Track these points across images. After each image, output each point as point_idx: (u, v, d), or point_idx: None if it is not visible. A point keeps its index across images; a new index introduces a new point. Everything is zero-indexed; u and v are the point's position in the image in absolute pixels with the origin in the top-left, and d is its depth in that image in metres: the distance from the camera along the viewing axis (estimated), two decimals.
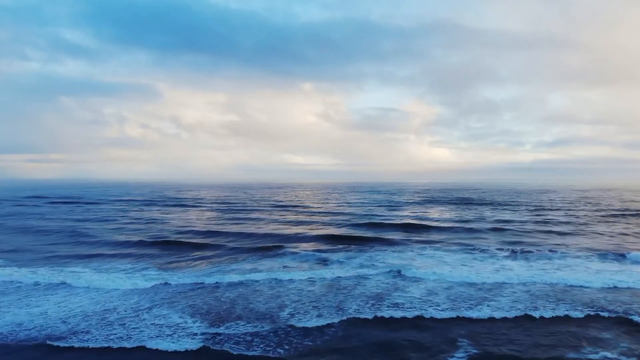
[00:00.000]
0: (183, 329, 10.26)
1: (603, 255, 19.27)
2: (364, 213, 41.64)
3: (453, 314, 11.21)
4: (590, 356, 8.83)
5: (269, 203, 56.45)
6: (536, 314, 11.16)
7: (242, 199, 67.01)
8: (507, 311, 11.43)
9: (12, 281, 14.70)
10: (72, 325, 10.45)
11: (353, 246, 22.26)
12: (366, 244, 23.11)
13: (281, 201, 60.73)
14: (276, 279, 14.99)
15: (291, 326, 10.37)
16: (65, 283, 14.35)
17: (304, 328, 10.27)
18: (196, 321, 10.78)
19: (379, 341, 9.60)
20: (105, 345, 9.26)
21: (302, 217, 37.98)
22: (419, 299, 12.70)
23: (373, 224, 32.36)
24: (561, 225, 30.95)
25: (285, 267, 17.24)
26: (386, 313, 11.32)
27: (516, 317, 11.03)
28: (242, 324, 10.61)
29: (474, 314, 11.22)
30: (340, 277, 15.33)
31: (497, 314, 11.18)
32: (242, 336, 9.81)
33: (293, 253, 19.95)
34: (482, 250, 20.63)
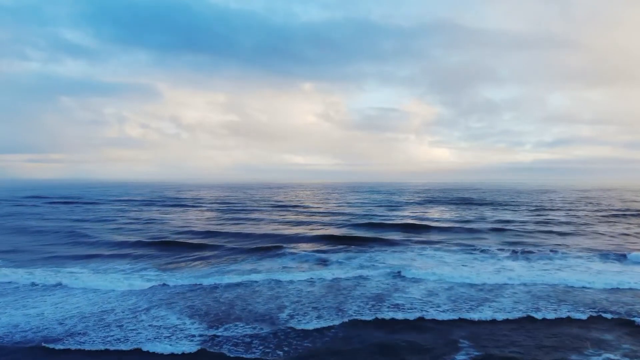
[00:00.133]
0: (181, 330, 10.15)
1: (604, 255, 19.16)
2: (364, 213, 41.53)
3: (454, 315, 11.10)
4: (593, 358, 8.73)
5: (269, 203, 56.34)
6: (538, 315, 11.05)
7: (242, 199, 66.90)
8: (509, 312, 11.32)
9: (9, 282, 14.58)
10: (69, 327, 10.34)
11: (353, 246, 22.15)
12: (366, 244, 23.00)
13: (281, 201, 60.62)
14: (275, 279, 14.88)
15: (290, 328, 10.27)
16: (62, 284, 14.24)
17: (304, 330, 10.16)
18: (194, 322, 10.67)
19: (379, 343, 9.49)
20: (102, 348, 9.14)
21: (301, 217, 37.87)
22: (420, 299, 12.60)
23: (373, 224, 32.25)
24: (562, 225, 30.84)
25: (284, 267, 17.13)
26: (386, 314, 11.21)
27: (518, 318, 10.92)
28: (241, 325, 10.50)
29: (475, 315, 11.10)
30: (340, 277, 15.22)
31: (499, 315, 11.06)
32: (240, 338, 9.70)
33: (293, 253, 19.84)
34: (483, 251, 20.52)
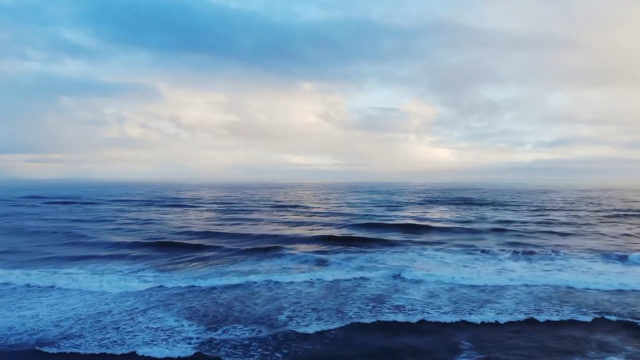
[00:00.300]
0: (178, 332, 10.00)
1: (606, 256, 19.02)
2: (364, 213, 41.38)
3: (455, 317, 10.95)
4: None
5: (269, 203, 56.19)
6: (540, 317, 10.90)
7: (242, 199, 66.75)
8: (511, 314, 11.18)
9: (6, 283, 14.43)
10: (65, 329, 10.19)
11: (353, 247, 22.00)
12: (366, 245, 22.86)
13: (281, 201, 60.48)
14: (274, 280, 14.73)
15: (290, 330, 10.12)
16: (59, 285, 14.09)
17: (303, 332, 10.01)
18: (192, 324, 10.52)
19: (379, 345, 9.34)
20: (97, 351, 8.97)
21: (301, 218, 37.73)
22: (420, 301, 12.45)
23: (373, 224, 32.11)
24: (563, 225, 30.70)
25: (284, 268, 16.98)
26: (387, 316, 11.07)
27: (520, 320, 10.77)
28: (240, 327, 10.35)
29: (476, 317, 10.95)
30: (339, 278, 15.08)
31: (501, 317, 10.92)
32: (239, 341, 9.55)
33: (292, 254, 19.69)
34: (484, 251, 20.38)
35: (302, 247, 22.07)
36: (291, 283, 14.48)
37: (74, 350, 9.02)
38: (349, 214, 40.39)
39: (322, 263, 17.92)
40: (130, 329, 10.18)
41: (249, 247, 21.59)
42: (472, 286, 14.04)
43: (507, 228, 29.15)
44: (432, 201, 60.87)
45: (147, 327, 10.29)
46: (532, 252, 19.91)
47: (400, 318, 10.94)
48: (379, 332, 10.12)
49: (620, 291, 13.55)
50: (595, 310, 11.59)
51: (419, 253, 20.12)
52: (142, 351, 8.86)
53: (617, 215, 37.91)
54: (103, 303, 12.31)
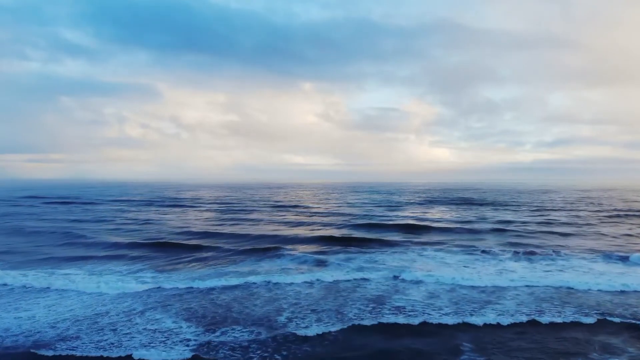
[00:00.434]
0: (176, 334, 9.89)
1: (607, 256, 18.93)
2: (364, 213, 41.29)
3: (456, 319, 10.84)
4: None
5: (268, 203, 56.10)
6: (542, 319, 10.79)
7: (242, 199, 66.66)
8: (512, 315, 11.07)
9: (3, 284, 14.31)
10: (61, 331, 10.08)
11: (352, 247, 21.90)
12: (366, 245, 22.76)
13: (280, 201, 60.38)
14: (274, 281, 14.62)
15: (289, 332, 10.01)
16: (57, 286, 13.97)
17: (303, 334, 9.91)
18: (191, 326, 10.41)
19: (379, 347, 9.24)
20: (94, 354, 8.84)
21: (301, 218, 37.64)
22: (421, 302, 12.35)
23: (373, 224, 32.01)
24: (563, 226, 30.60)
25: (283, 269, 16.87)
26: (387, 317, 10.96)
27: (521, 321, 10.66)
28: (238, 329, 10.25)
29: (478, 318, 10.84)
30: (339, 279, 14.97)
31: (502, 319, 10.81)
32: (238, 342, 9.44)
33: (292, 255, 19.58)
34: (484, 252, 20.28)
35: (302, 248, 21.97)
36: (290, 284, 14.38)
37: (70, 352, 8.91)
38: (349, 214, 40.29)
39: (321, 264, 17.82)
40: (128, 331, 10.07)
41: (249, 248, 21.49)
42: (473, 287, 13.94)
43: (508, 228, 29.06)
44: (432, 201, 60.77)
45: (144, 329, 10.18)
46: (532, 253, 19.81)
47: (401, 319, 10.83)
48: (379, 334, 10.01)
49: (622, 292, 13.46)
50: (597, 311, 11.49)
51: (419, 253, 20.02)
52: (138, 354, 8.74)
53: (618, 216, 37.82)
54: (101, 304, 12.21)
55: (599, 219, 35.02)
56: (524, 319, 10.82)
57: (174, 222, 33.63)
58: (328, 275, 15.40)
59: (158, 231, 28.35)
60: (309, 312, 11.48)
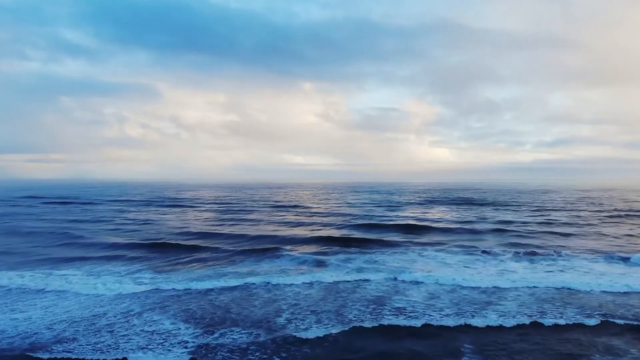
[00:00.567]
0: (174, 336, 9.78)
1: (609, 257, 18.82)
2: (364, 214, 41.18)
3: (457, 320, 10.73)
4: None
5: (268, 203, 55.99)
6: (544, 320, 10.68)
7: (241, 199, 66.55)
8: (514, 317, 10.96)
9: (1, 285, 14.19)
10: (58, 332, 9.97)
11: (352, 248, 21.79)
12: (366, 245, 22.64)
13: (280, 201, 60.28)
14: (273, 282, 14.52)
15: (288, 333, 9.90)
16: (54, 287, 13.86)
17: (302, 336, 9.79)
18: (189, 328, 10.30)
19: (380, 349, 9.13)
20: (89, 357, 8.73)
21: (301, 218, 37.53)
22: (421, 303, 12.24)
23: (373, 225, 31.90)
24: (564, 226, 30.49)
25: (282, 270, 16.77)
26: (387, 319, 10.85)
27: (523, 323, 10.55)
28: (237, 330, 10.14)
29: (479, 319, 10.74)
30: (339, 280, 14.86)
31: (503, 320, 10.70)
32: (236, 345, 9.33)
33: (291, 255, 19.47)
34: (485, 252, 20.17)
35: (302, 248, 21.87)
36: (290, 285, 14.27)
37: (67, 355, 8.79)
38: (349, 214, 40.19)
39: (321, 264, 17.71)
40: (125, 332, 9.96)
41: (248, 248, 21.38)
42: (474, 288, 13.84)
43: (508, 228, 28.95)
44: (432, 201, 60.67)
45: (142, 330, 10.07)
46: (533, 253, 19.70)
47: (401, 321, 10.73)
48: (379, 336, 9.91)
49: (623, 293, 13.36)
50: (599, 312, 11.39)
51: (419, 254, 19.91)
52: (135, 356, 8.63)
53: (619, 216, 37.72)
54: (98, 305, 12.10)
55: (600, 219, 34.92)
56: (526, 320, 10.71)
57: (174, 223, 33.52)
58: (328, 276, 15.30)
59: (157, 231, 28.23)
60: (309, 313, 11.38)
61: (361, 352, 9.00)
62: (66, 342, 9.40)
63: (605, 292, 13.41)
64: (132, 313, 11.35)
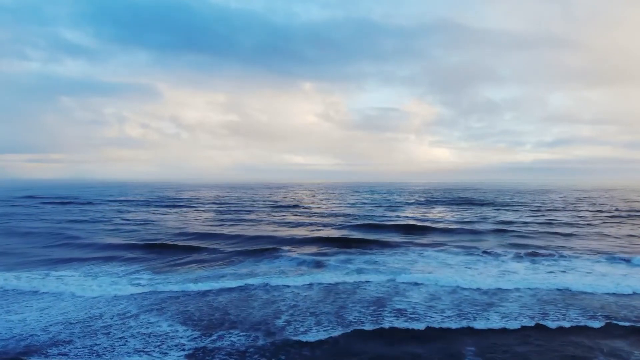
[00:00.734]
0: (171, 338, 9.63)
1: (611, 258, 18.67)
2: (364, 214, 41.02)
3: (458, 322, 10.58)
4: None
5: (268, 203, 55.83)
6: (546, 322, 10.54)
7: (241, 199, 66.38)
8: (516, 318, 10.81)
9: None
10: (53, 335, 9.82)
11: (352, 248, 21.64)
12: (366, 246, 22.48)
13: (280, 201, 60.12)
14: (272, 283, 14.37)
15: (288, 336, 9.75)
16: (51, 288, 13.70)
17: (301, 338, 9.64)
18: (187, 330, 10.15)
19: (380, 351, 8.98)
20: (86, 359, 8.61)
21: (300, 218, 37.37)
22: (422, 304, 12.09)
23: (373, 225, 31.74)
24: (565, 226, 30.34)
25: (282, 270, 16.62)
26: (387, 321, 10.70)
27: (526, 325, 10.40)
28: (235, 333, 9.99)
29: (481, 321, 10.59)
30: (339, 281, 14.70)
31: (506, 322, 10.55)
32: (235, 348, 9.17)
33: (291, 256, 19.32)
34: (486, 253, 20.02)
35: (301, 249, 21.71)
36: (289, 286, 14.12)
37: (62, 358, 8.63)
38: (349, 215, 40.03)
39: (321, 265, 17.57)
40: (122, 335, 9.81)
41: (247, 249, 21.23)
42: (475, 288, 13.69)
43: (509, 229, 28.80)
44: (432, 201, 60.51)
45: (138, 333, 9.92)
46: (535, 254, 19.55)
47: (402, 323, 10.57)
48: (380, 338, 9.76)
49: (626, 294, 13.21)
50: (602, 314, 11.24)
51: (419, 254, 19.76)
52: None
53: (620, 216, 37.56)
54: (95, 307, 11.95)
55: (601, 220, 34.76)
56: (528, 322, 10.56)
57: (173, 223, 33.36)
58: (327, 277, 15.16)
59: (156, 232, 28.08)
60: (308, 315, 11.23)
61: (361, 355, 8.85)
62: (61, 345, 9.25)
63: (608, 293, 13.26)
64: (129, 315, 11.20)
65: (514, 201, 58.71)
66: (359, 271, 16.24)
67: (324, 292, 13.47)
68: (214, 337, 9.70)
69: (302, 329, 10.18)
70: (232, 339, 9.64)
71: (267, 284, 14.25)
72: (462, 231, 28.06)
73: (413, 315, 11.13)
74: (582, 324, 10.49)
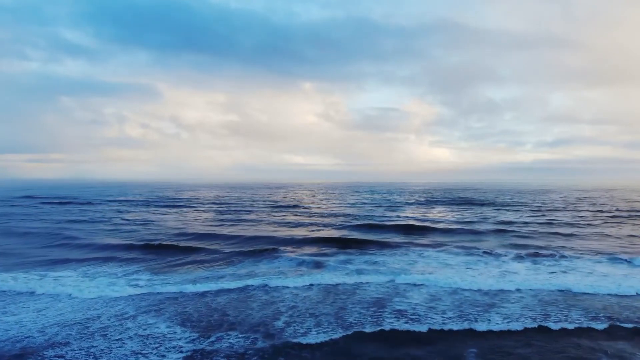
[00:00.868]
0: (170, 340, 9.51)
1: (612, 258, 18.57)
2: (364, 214, 40.91)
3: (460, 324, 10.47)
4: None
5: (268, 204, 55.72)
6: (548, 323, 10.43)
7: (241, 199, 66.26)
8: (517, 320, 10.70)
9: None
10: (50, 336, 9.71)
11: (352, 249, 21.53)
12: (366, 246, 22.37)
13: (280, 201, 60.00)
14: (272, 284, 14.25)
15: (287, 337, 9.64)
16: (48, 289, 13.59)
17: (301, 340, 9.54)
18: (185, 331, 10.03)
19: (380, 353, 8.87)
20: None
21: (300, 219, 37.26)
22: (422, 305, 11.98)
23: (373, 225, 31.63)
24: (566, 226, 30.23)
25: (281, 271, 16.51)
26: (388, 322, 10.59)
27: (527, 326, 10.28)
28: (234, 334, 9.87)
29: (482, 323, 10.47)
30: (338, 282, 14.59)
31: (507, 323, 10.44)
32: (233, 350, 9.06)
33: (290, 256, 19.20)
34: (486, 253, 19.91)
35: (301, 249, 21.60)
36: (289, 287, 14.01)
37: None
38: (349, 215, 39.93)
39: (320, 265, 17.45)
40: (119, 336, 9.69)
41: (247, 249, 21.11)
42: (476, 290, 13.57)
43: (509, 229, 28.69)
44: (432, 201, 60.40)
45: (136, 334, 9.81)
46: (536, 254, 19.44)
47: (402, 324, 10.46)
48: (380, 340, 9.65)
49: (628, 295, 13.10)
50: (605, 315, 11.13)
51: (420, 255, 19.65)
52: None
53: (621, 216, 37.45)
54: (92, 308, 11.83)
55: (602, 220, 34.65)
56: (530, 323, 10.45)
57: (172, 223, 33.25)
58: (327, 278, 15.05)
59: (156, 232, 27.97)
60: (308, 316, 11.12)
61: (361, 357, 8.75)
62: (58, 347, 9.14)
63: (609, 294, 13.15)
64: (127, 316, 11.09)
65: (514, 201, 58.60)
66: (359, 272, 16.13)
67: (323, 293, 13.36)
68: (212, 339, 9.59)
69: (301, 331, 10.07)
70: (230, 340, 9.53)
71: (266, 285, 14.14)
72: (462, 231, 27.95)
73: (413, 317, 11.02)
74: (584, 325, 10.39)
